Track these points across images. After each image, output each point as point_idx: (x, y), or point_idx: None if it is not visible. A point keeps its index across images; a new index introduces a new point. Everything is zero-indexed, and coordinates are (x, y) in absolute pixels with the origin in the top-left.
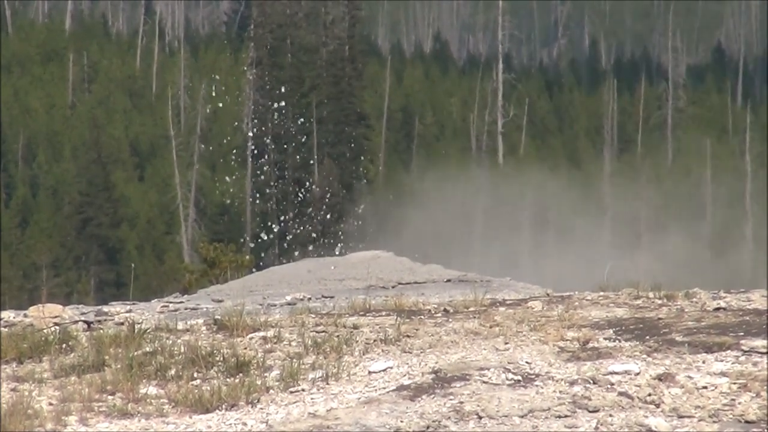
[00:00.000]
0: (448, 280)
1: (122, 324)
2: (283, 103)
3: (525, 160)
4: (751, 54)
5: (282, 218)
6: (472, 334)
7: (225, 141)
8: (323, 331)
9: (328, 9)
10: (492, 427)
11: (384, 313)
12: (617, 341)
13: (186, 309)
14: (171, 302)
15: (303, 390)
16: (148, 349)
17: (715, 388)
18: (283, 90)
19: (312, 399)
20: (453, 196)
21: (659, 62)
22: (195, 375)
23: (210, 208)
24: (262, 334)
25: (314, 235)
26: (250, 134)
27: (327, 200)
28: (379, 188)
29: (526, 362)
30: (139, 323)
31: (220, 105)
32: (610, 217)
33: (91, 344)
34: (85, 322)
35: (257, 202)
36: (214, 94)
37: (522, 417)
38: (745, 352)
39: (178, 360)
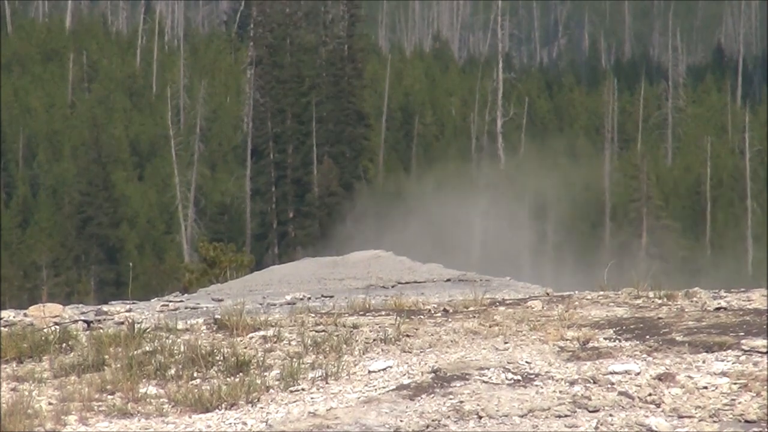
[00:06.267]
0: (448, 280)
1: (122, 323)
2: (282, 103)
3: (525, 160)
4: (750, 54)
5: (282, 218)
6: (471, 334)
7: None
8: (323, 331)
9: (327, 8)
10: (492, 427)
11: (384, 312)
12: (617, 341)
13: (186, 308)
14: (171, 301)
15: (303, 389)
16: (147, 348)
17: (716, 387)
18: (282, 89)
19: (312, 398)
20: (453, 196)
21: (659, 62)
22: (195, 374)
23: (210, 208)
24: (262, 333)
25: (314, 235)
26: (250, 134)
27: (327, 200)
28: (379, 188)
29: (526, 362)
30: (138, 323)
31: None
32: (609, 216)
33: (90, 344)
34: (85, 321)
35: (257, 202)
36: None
37: (522, 417)
38: (746, 351)
39: (178, 359)
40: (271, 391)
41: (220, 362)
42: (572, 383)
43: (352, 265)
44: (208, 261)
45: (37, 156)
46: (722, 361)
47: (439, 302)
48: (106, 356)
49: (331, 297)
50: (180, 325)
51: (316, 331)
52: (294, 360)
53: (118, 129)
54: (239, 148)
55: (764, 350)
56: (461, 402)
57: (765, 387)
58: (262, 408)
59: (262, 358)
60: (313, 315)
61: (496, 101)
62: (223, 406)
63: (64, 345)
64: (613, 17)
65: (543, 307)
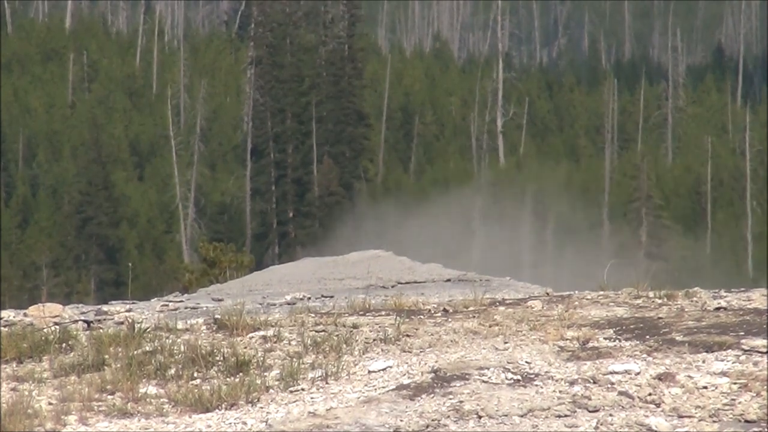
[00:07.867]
0: (448, 280)
1: (122, 323)
2: (282, 103)
3: (525, 160)
4: (750, 54)
5: (282, 218)
6: (471, 334)
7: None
8: (323, 331)
9: (327, 8)
10: (491, 427)
11: (384, 312)
12: (617, 341)
13: (186, 308)
14: (171, 301)
15: (303, 389)
16: (147, 348)
17: (716, 387)
18: (282, 89)
19: (312, 398)
20: (453, 196)
21: (659, 62)
22: (195, 374)
23: (210, 208)
24: (261, 333)
25: (314, 234)
26: (250, 134)
27: (327, 200)
28: (379, 188)
29: (526, 362)
30: (138, 322)
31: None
32: (609, 216)
33: (90, 344)
34: (84, 321)
35: (257, 202)
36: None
37: (522, 416)
38: (746, 351)
39: (178, 359)
40: (271, 391)
41: (220, 362)
42: (572, 383)
43: (352, 265)
44: (208, 261)
45: (37, 156)
46: (722, 361)
47: (439, 302)
48: (106, 356)
49: (331, 297)
50: (180, 325)
51: (316, 331)
52: (294, 360)
53: (118, 129)
54: (239, 148)
55: (764, 350)
56: (461, 402)
57: (765, 387)
58: (262, 408)
59: (262, 358)
60: (313, 315)
61: (496, 101)
62: (223, 406)
63: (64, 345)
64: (613, 17)
65: (543, 307)
